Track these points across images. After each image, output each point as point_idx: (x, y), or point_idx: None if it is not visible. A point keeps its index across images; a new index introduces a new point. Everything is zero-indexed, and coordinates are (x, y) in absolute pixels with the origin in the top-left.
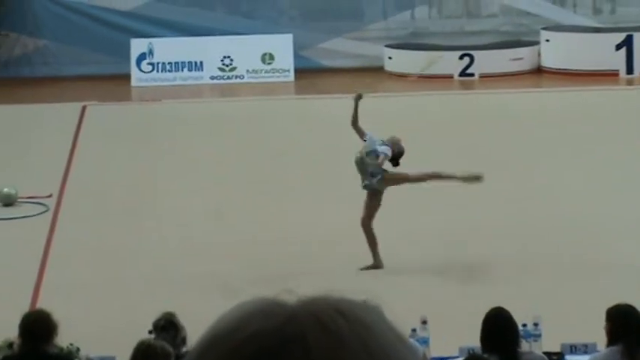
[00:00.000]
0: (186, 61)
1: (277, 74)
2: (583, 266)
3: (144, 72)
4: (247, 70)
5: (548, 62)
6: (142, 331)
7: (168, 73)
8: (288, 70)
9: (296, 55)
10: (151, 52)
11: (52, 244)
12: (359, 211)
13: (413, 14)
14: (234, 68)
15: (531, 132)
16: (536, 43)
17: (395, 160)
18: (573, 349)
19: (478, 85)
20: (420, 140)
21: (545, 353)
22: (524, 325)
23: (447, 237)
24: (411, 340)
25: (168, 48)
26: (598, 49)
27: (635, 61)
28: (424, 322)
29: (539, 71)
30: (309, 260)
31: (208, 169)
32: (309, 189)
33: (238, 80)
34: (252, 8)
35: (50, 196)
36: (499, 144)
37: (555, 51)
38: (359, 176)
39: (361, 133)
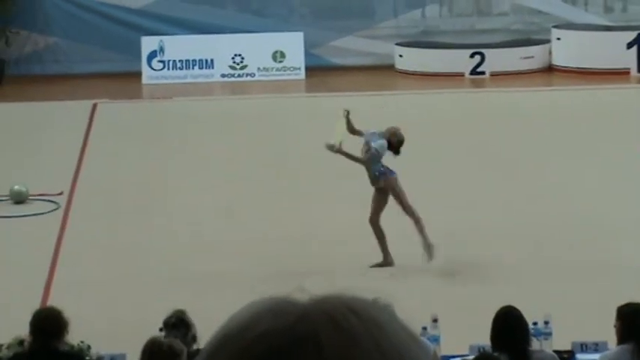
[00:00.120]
0: (197, 58)
1: (288, 72)
2: (595, 265)
3: (155, 70)
4: (258, 68)
5: (559, 60)
6: (152, 328)
7: (179, 71)
8: (299, 68)
9: (307, 53)
10: (161, 50)
11: (63, 241)
12: (369, 210)
13: (424, 12)
14: (245, 66)
15: (542, 130)
16: (547, 41)
17: (395, 149)
18: (584, 347)
19: (489, 84)
20: (430, 138)
21: (555, 352)
22: (535, 324)
23: (458, 236)
24: (422, 339)
25: (179, 46)
26: (609, 48)
27: None
28: (435, 321)
29: (550, 69)
30: (319, 258)
31: (219, 166)
32: (319, 187)
33: (249, 78)
34: (263, 6)
35: (61, 193)
36: (510, 142)
37: (566, 49)
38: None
39: (360, 134)
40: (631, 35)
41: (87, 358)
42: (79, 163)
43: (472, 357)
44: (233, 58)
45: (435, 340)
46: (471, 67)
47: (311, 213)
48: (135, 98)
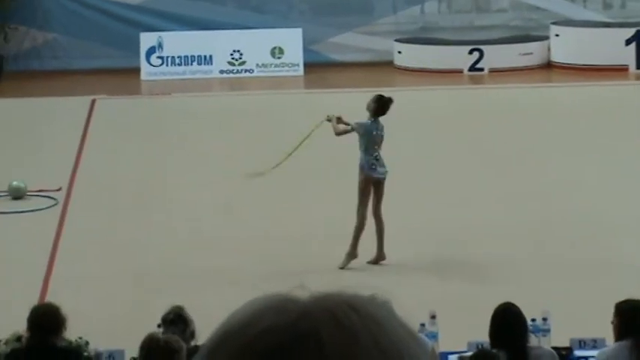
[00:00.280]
0: (196, 54)
1: (287, 68)
2: (593, 262)
3: (153, 66)
4: (257, 64)
5: (557, 57)
6: (150, 324)
7: (177, 67)
8: (298, 65)
9: (305, 50)
10: (160, 46)
11: (62, 237)
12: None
13: (423, 9)
14: (243, 62)
15: (541, 127)
16: (546, 37)
17: (380, 110)
18: (582, 344)
19: (487, 80)
20: (429, 135)
21: (554, 348)
22: (534, 320)
23: (456, 232)
24: (421, 335)
25: (177, 42)
26: (608, 44)
27: None
28: (433, 317)
29: (548, 66)
30: (318, 256)
31: (217, 162)
32: (318, 183)
33: (248, 74)
34: (262, 2)
35: (60, 189)
36: (508, 139)
37: (565, 46)
38: None
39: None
40: (629, 32)
41: (85, 354)
42: (78, 159)
43: (470, 353)
44: (232, 54)
45: (433, 336)
46: (469, 64)
47: (310, 210)
48: (134, 94)
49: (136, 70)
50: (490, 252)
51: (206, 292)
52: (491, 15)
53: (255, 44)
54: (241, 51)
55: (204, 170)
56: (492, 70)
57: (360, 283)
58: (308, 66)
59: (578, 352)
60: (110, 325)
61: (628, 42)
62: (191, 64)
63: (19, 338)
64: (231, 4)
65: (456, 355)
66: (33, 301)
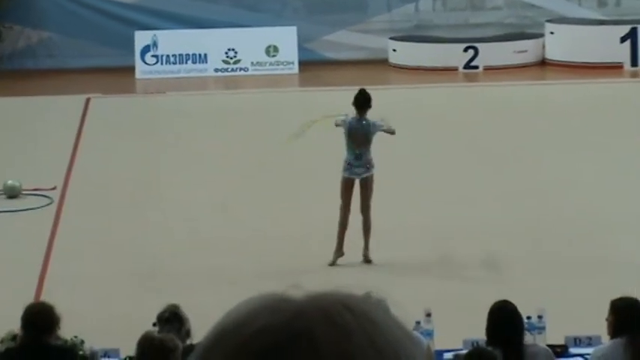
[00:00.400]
0: (191, 53)
1: (281, 66)
2: (588, 259)
3: (148, 64)
4: (251, 63)
5: (552, 55)
6: (146, 323)
7: (172, 66)
8: (293, 63)
9: (300, 48)
10: (155, 45)
11: (57, 236)
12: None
13: (417, 6)
14: (238, 60)
15: (535, 124)
16: (541, 35)
17: (354, 105)
18: (577, 341)
19: (482, 78)
20: (423, 133)
21: (549, 346)
22: (529, 318)
23: (451, 230)
24: (416, 333)
25: (172, 40)
26: (602, 42)
27: (639, 53)
28: (428, 315)
29: (543, 64)
30: (314, 255)
31: (213, 161)
32: (313, 182)
33: (242, 72)
34: (257, 1)
35: (54, 188)
36: (503, 137)
37: (560, 43)
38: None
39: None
40: (624, 29)
41: (80, 352)
42: (73, 158)
43: (465, 351)
44: (226, 52)
45: (429, 334)
46: (464, 61)
47: (305, 208)
48: (128, 93)
49: (131, 69)
50: (485, 250)
51: (201, 290)
52: (486, 13)
53: (249, 42)
54: (236, 49)
55: (200, 169)
56: (487, 68)
57: (356, 281)
58: (303, 64)
59: (573, 350)
60: (105, 323)
61: (623, 39)
62: (186, 63)
63: (14, 337)
64: (225, 3)
65: (452, 353)
66: (28, 300)
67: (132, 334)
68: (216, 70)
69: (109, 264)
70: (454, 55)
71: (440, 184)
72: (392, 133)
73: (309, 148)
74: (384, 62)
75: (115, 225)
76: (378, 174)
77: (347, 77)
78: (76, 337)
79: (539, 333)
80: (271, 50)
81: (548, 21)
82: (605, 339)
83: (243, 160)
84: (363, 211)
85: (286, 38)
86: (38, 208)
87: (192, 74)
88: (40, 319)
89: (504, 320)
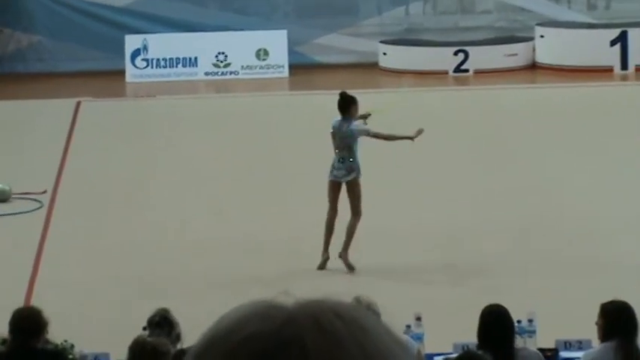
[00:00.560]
0: (181, 57)
1: (272, 70)
2: (578, 263)
3: (138, 68)
4: (242, 66)
5: (542, 58)
6: (136, 327)
7: (162, 69)
8: (283, 66)
9: (290, 51)
10: (145, 48)
11: (47, 240)
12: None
13: (407, 10)
14: (228, 64)
15: (526, 128)
16: (531, 38)
17: (341, 109)
18: (568, 345)
19: (473, 81)
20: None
21: (539, 349)
22: (519, 322)
23: (443, 233)
24: (406, 337)
25: (162, 44)
26: (592, 45)
27: (629, 56)
28: (418, 319)
29: (533, 67)
30: (307, 259)
31: (203, 165)
32: (303, 185)
33: (233, 76)
34: (247, 4)
35: (45, 192)
36: (493, 140)
37: (550, 47)
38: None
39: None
40: (614, 33)
41: (70, 357)
42: (63, 162)
43: (456, 355)
44: (217, 56)
45: (419, 338)
46: (454, 65)
47: (295, 211)
48: (118, 96)
49: (121, 73)
50: (476, 253)
51: (192, 295)
52: (476, 16)
53: (240, 46)
54: (226, 53)
55: (190, 172)
56: (477, 71)
57: (345, 284)
58: (293, 68)
59: (563, 354)
60: (96, 328)
61: (613, 43)
62: (176, 67)
63: (4, 341)
64: (215, 7)
65: (442, 357)
66: (18, 304)
67: (122, 338)
68: (207, 73)
69: (99, 268)
70: (444, 58)
71: (430, 187)
72: (385, 138)
73: (299, 151)
74: (374, 66)
75: (106, 229)
76: (369, 177)
77: (337, 81)
78: (66, 341)
79: (530, 336)
80: (261, 54)
81: (539, 24)
82: (596, 343)
83: (233, 163)
84: (351, 212)
85: (276, 42)
86: (28, 212)
87: (182, 78)
88: (27, 323)
89: (496, 323)
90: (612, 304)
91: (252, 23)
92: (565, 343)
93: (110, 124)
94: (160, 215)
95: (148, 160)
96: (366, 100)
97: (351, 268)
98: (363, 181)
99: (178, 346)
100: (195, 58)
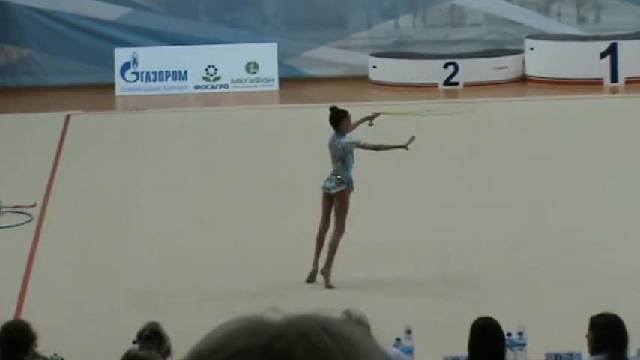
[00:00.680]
0: (171, 70)
1: (262, 83)
2: (568, 275)
3: (128, 81)
4: (232, 80)
5: (532, 71)
6: (126, 341)
7: (152, 83)
8: (273, 79)
9: (280, 64)
10: (135, 62)
11: (37, 253)
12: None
13: (397, 23)
14: (218, 77)
15: (516, 140)
16: (521, 51)
17: (331, 123)
18: (558, 357)
19: (463, 94)
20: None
21: None
22: (509, 334)
23: (433, 247)
24: (396, 350)
25: (152, 57)
26: (582, 58)
27: (619, 69)
28: (409, 332)
29: (523, 80)
30: (297, 271)
31: (193, 178)
32: (294, 198)
33: (223, 89)
34: (237, 17)
35: (34, 205)
36: (483, 152)
37: (540, 59)
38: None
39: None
40: (604, 45)
41: None
42: (53, 175)
43: None
44: (207, 69)
45: (409, 351)
46: (444, 78)
47: (286, 224)
48: (108, 110)
49: (111, 86)
50: (466, 266)
51: (182, 308)
52: (466, 29)
53: (230, 59)
54: (216, 66)
55: (180, 185)
56: (467, 84)
57: (335, 298)
58: (283, 81)
59: None
60: (85, 341)
61: (602, 55)
62: (166, 80)
63: None
64: (205, 20)
65: None
66: (8, 317)
67: (112, 351)
68: (197, 87)
69: (89, 281)
70: (434, 71)
71: (419, 200)
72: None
73: (288, 164)
74: (364, 79)
75: (96, 242)
76: (361, 190)
77: (327, 94)
78: (56, 354)
79: (520, 349)
80: (251, 67)
81: (528, 37)
82: (586, 355)
83: (223, 176)
84: (334, 228)
85: (266, 55)
86: (18, 225)
87: (172, 91)
88: (15, 336)
89: (486, 336)
90: (602, 317)
91: (242, 36)
92: (555, 355)
93: (100, 138)
94: (149, 228)
95: (137, 174)
96: (356, 112)
97: (330, 287)
98: (356, 194)
99: None
100: (185, 72)
